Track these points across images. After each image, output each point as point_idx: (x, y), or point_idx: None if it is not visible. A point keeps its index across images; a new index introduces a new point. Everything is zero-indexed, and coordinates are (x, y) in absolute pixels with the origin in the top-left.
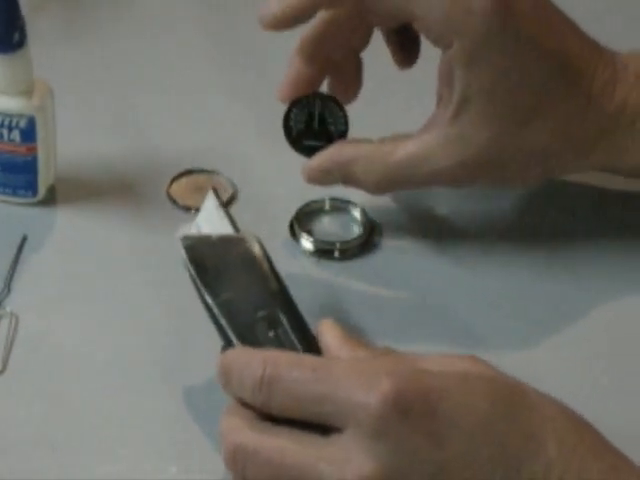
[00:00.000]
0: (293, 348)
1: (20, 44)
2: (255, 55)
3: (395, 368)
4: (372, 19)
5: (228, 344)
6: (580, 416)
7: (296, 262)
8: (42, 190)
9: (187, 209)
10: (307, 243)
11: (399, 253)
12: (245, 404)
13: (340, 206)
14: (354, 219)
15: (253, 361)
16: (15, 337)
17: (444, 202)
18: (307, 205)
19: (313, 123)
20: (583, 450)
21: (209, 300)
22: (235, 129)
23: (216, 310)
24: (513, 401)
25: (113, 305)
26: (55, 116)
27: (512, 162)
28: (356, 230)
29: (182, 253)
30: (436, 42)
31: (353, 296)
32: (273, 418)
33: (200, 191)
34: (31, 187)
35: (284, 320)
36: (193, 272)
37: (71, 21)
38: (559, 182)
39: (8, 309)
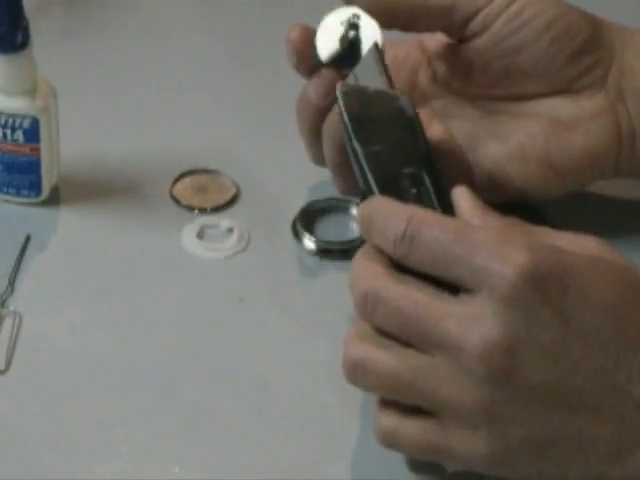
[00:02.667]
0: (432, 208)
1: (24, 44)
2: (258, 55)
3: (533, 243)
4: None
5: (370, 194)
6: None
7: (298, 262)
8: (46, 190)
9: (190, 209)
10: (309, 243)
11: None
12: (382, 251)
13: (342, 206)
14: (356, 219)
15: (398, 214)
16: (18, 336)
17: None
18: (309, 205)
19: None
20: None
21: (358, 148)
22: (238, 129)
23: (363, 159)
24: None
25: (116, 304)
26: (58, 116)
27: None
28: (358, 230)
29: (338, 98)
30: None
31: None
32: (408, 271)
33: (203, 191)
34: (35, 187)
35: (427, 181)
36: (346, 118)
37: (74, 22)
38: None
39: (12, 308)
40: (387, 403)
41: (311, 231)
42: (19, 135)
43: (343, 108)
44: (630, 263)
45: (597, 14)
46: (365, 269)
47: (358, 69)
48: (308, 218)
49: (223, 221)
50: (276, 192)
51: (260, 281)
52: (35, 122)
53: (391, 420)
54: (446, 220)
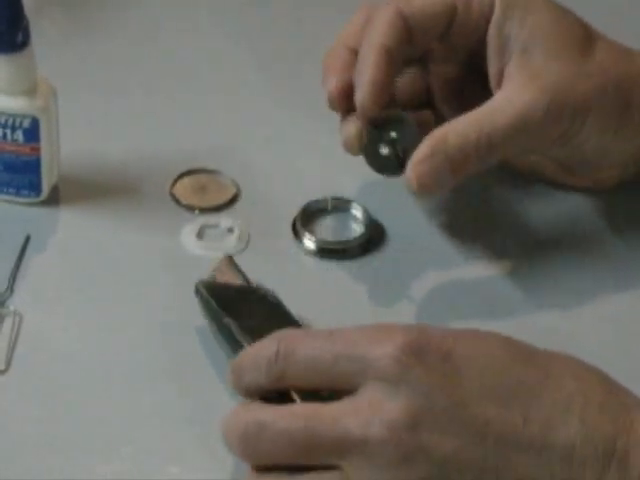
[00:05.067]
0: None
1: (24, 44)
2: (258, 55)
3: (407, 325)
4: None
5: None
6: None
7: (298, 262)
8: (45, 190)
9: (190, 209)
10: (309, 242)
11: (401, 253)
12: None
13: (342, 205)
14: (356, 219)
15: (266, 342)
16: (18, 336)
17: (447, 202)
18: (309, 204)
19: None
20: (600, 389)
21: (230, 322)
22: (238, 129)
23: (237, 332)
24: (528, 350)
25: (116, 305)
26: (58, 116)
27: (587, 100)
28: (358, 230)
29: (201, 292)
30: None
31: (355, 296)
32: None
33: (203, 191)
34: (34, 187)
35: None
36: (214, 303)
37: (74, 21)
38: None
39: (11, 308)
40: None
41: (311, 231)
42: (19, 135)
43: (208, 296)
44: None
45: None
46: (237, 410)
47: (214, 272)
48: (308, 218)
49: (223, 221)
50: (276, 192)
51: (260, 281)
52: (35, 122)
53: None
54: (315, 330)
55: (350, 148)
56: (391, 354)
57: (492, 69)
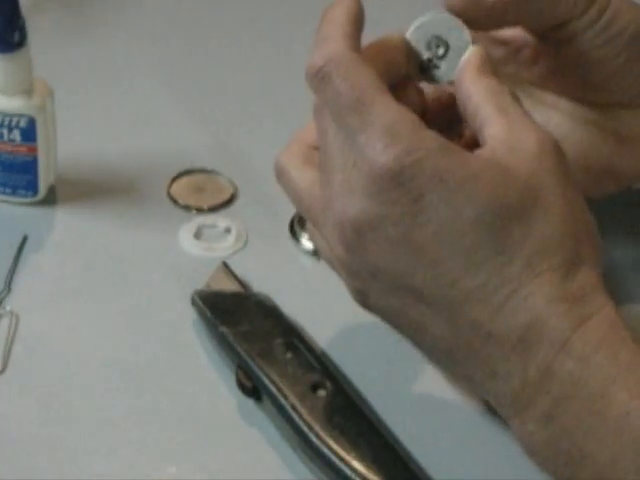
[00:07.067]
0: (310, 367)
1: (20, 44)
2: (257, 55)
3: (419, 139)
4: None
5: (246, 368)
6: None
7: (296, 262)
8: (42, 190)
9: (188, 209)
10: (307, 242)
11: None
12: None
13: None
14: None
15: (321, 47)
16: (15, 336)
17: None
18: None
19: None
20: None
21: (225, 331)
22: (236, 129)
23: (234, 340)
24: (506, 219)
25: (113, 305)
26: (55, 116)
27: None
28: None
29: (196, 302)
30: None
31: None
32: None
33: (200, 191)
34: (31, 187)
35: (300, 346)
36: (209, 313)
37: (71, 21)
38: None
39: (8, 308)
40: None
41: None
42: (16, 135)
43: (203, 305)
44: (536, 168)
45: None
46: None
47: (210, 281)
48: None
49: (220, 221)
50: (274, 192)
51: (257, 281)
52: (32, 122)
53: None
54: (359, 79)
55: None
56: (376, 167)
57: None
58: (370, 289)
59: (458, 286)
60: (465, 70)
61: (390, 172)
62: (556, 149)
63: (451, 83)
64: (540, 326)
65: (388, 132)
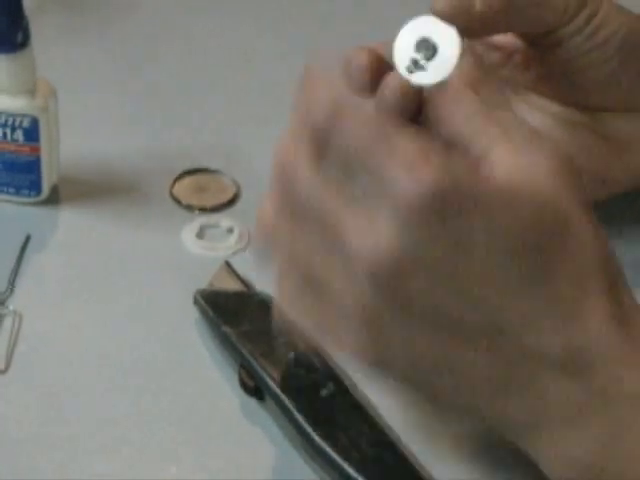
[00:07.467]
0: (312, 366)
1: (23, 44)
2: (258, 54)
3: (450, 163)
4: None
5: (248, 368)
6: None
7: None
8: (45, 190)
9: (190, 209)
10: None
11: None
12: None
13: None
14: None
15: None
16: (18, 336)
17: None
18: None
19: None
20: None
21: (228, 330)
22: (238, 128)
23: (236, 340)
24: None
25: (116, 305)
26: (58, 116)
27: None
28: None
29: (198, 301)
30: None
31: None
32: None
33: (203, 190)
34: (34, 187)
35: (302, 346)
36: (211, 312)
37: (74, 21)
38: None
39: (11, 308)
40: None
41: None
42: (19, 135)
43: (206, 305)
44: (560, 194)
45: None
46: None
47: (212, 280)
48: None
49: (223, 221)
50: None
51: (259, 281)
52: (35, 122)
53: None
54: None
55: None
56: (412, 194)
57: None
58: (392, 337)
59: (507, 314)
60: (448, 89)
61: (431, 198)
62: (572, 166)
63: (437, 87)
64: (595, 348)
65: (418, 157)
